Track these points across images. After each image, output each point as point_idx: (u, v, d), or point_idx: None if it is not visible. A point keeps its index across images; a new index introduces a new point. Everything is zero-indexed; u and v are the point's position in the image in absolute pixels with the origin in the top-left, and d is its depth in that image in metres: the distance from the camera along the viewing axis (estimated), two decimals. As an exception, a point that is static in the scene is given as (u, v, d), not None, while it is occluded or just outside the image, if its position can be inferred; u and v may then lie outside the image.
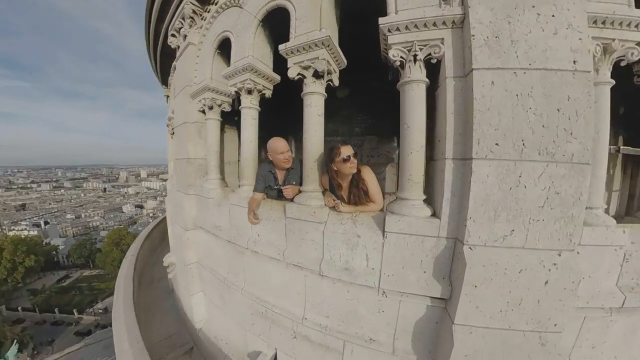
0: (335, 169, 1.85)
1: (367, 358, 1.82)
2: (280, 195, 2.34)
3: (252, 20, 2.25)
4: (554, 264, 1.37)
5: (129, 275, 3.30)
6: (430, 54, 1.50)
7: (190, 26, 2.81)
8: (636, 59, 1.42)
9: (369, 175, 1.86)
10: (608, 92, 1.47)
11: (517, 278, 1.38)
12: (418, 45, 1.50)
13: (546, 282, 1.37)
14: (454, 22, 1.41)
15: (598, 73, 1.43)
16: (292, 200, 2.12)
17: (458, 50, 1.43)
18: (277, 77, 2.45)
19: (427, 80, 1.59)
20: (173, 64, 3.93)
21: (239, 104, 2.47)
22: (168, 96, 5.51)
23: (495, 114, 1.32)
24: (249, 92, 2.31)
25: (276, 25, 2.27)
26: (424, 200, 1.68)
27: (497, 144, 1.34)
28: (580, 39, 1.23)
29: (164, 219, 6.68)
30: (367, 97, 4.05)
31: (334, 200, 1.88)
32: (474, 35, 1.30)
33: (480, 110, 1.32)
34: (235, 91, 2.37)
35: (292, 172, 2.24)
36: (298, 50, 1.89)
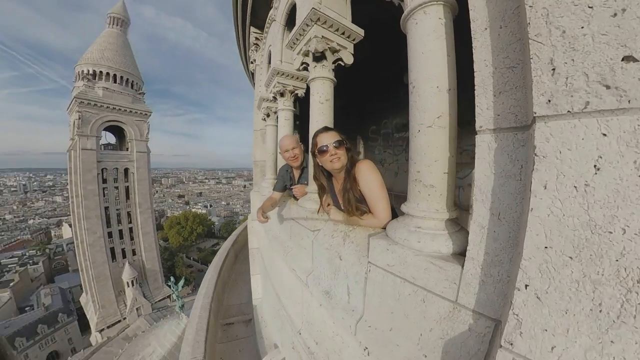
0: (320, 164, 1.34)
1: None
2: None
3: (279, 28, 2.21)
4: None
5: (224, 252, 4.31)
6: None
7: (256, 50, 3.25)
8: None
9: (366, 175, 1.18)
10: None
11: None
12: None
13: None
14: None
15: None
16: None
17: None
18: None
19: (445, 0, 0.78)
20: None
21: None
22: None
23: None
24: (281, 94, 2.27)
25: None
26: (447, 221, 0.84)
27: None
28: None
29: None
30: None
31: (329, 204, 1.40)
32: None
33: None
34: (272, 96, 2.40)
35: (305, 170, 1.97)
36: (297, 39, 1.59)
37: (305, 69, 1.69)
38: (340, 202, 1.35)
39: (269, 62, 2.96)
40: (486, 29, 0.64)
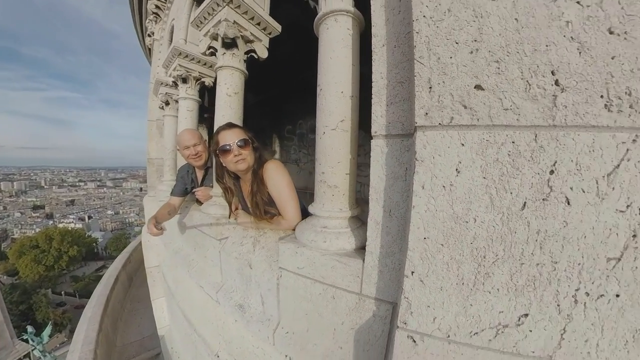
0: (223, 164, 1.16)
1: None
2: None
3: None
4: None
5: (112, 276, 3.25)
6: None
7: (156, 22, 2.59)
8: None
9: (274, 176, 1.09)
10: None
11: None
12: None
13: None
14: None
15: None
16: None
17: None
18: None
19: (353, 10, 0.80)
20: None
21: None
22: None
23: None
24: (184, 80, 1.83)
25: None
26: (350, 219, 0.88)
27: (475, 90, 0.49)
28: None
29: None
30: None
31: (236, 208, 1.23)
32: None
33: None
34: (172, 81, 1.93)
35: (210, 171, 1.66)
36: (205, 18, 1.30)
37: (213, 54, 1.41)
38: (249, 205, 1.19)
39: (171, 39, 2.32)
40: (384, 45, 0.68)
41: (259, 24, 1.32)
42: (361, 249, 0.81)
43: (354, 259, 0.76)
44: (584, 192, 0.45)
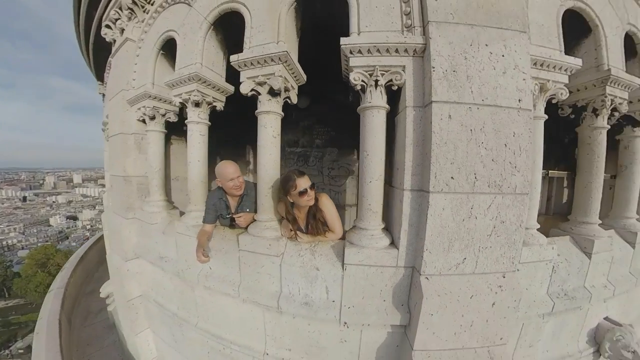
0: (291, 201, 1.53)
1: None
2: (233, 224, 1.91)
3: (201, 22, 1.73)
4: (500, 286, 1.31)
5: (55, 313, 2.55)
6: (391, 81, 1.27)
7: (130, 19, 2.10)
8: (565, 97, 1.44)
9: (327, 205, 1.57)
10: (542, 126, 1.48)
11: (468, 303, 1.30)
12: (380, 71, 1.25)
13: (493, 304, 1.32)
14: (415, 50, 1.20)
15: (535, 109, 1.42)
16: (246, 229, 1.74)
17: (419, 80, 1.22)
18: (231, 89, 1.97)
19: (387, 106, 1.35)
20: (109, 59, 3.10)
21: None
22: (104, 94, 4.44)
23: (451, 147, 1.16)
24: (197, 104, 1.80)
25: (231, 30, 1.84)
26: (382, 229, 1.52)
27: (452, 178, 1.20)
28: (524, 79, 1.13)
29: (103, 236, 5.58)
30: (327, 108, 3.71)
31: (291, 230, 1.61)
32: (434, 67, 1.10)
33: (437, 143, 1.16)
34: (180, 102, 1.84)
35: (245, 198, 1.83)
36: (252, 64, 1.49)
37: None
38: (303, 225, 1.61)
39: (160, 49, 2.10)
40: (410, 144, 1.32)
41: (296, 76, 1.65)
42: (391, 244, 1.47)
43: (393, 249, 1.40)
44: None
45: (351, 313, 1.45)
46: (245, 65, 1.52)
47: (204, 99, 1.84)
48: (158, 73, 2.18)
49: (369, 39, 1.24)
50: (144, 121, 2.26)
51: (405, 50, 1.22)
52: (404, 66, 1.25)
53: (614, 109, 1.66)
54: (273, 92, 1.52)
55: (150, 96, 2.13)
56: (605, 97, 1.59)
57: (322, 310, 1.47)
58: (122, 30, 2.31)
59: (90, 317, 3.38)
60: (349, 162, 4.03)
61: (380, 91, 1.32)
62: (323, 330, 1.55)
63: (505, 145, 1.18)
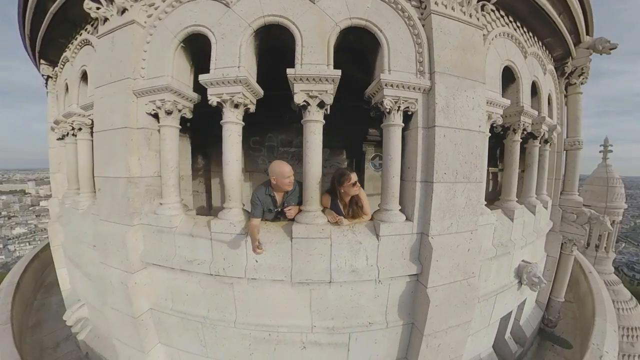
0: (343, 191, 2.31)
1: (367, 339, 2.36)
2: (277, 217, 2.46)
3: (245, 27, 2.17)
4: (470, 239, 2.38)
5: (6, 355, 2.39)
6: (408, 107, 2.18)
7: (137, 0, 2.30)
8: (500, 122, 2.70)
9: (363, 195, 2.40)
10: (487, 140, 2.66)
11: (455, 251, 2.32)
12: (402, 100, 2.15)
13: (468, 250, 2.37)
14: (424, 89, 2.15)
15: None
16: (292, 220, 2.32)
17: (425, 109, 2.18)
18: (261, 92, 2.43)
19: (403, 124, 2.26)
20: (85, 37, 2.97)
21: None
22: (50, 78, 4.00)
23: (444, 154, 2.15)
24: (236, 106, 2.23)
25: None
26: (399, 210, 2.41)
27: (445, 173, 2.19)
28: (482, 112, 2.25)
29: (36, 257, 4.89)
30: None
31: (336, 216, 2.33)
32: (437, 103, 2.08)
33: (437, 152, 2.12)
34: (218, 102, 2.22)
35: (291, 193, 2.39)
36: (307, 80, 2.14)
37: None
38: (345, 212, 2.37)
39: (182, 41, 2.40)
40: (416, 182, 2.26)
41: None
42: (406, 220, 2.38)
43: (408, 222, 2.32)
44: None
45: (384, 272, 2.29)
46: (300, 79, 2.13)
47: (243, 101, 2.24)
48: (178, 66, 2.41)
49: (397, 77, 2.12)
50: (154, 115, 2.43)
51: (419, 89, 2.16)
52: (416, 99, 2.19)
53: (524, 129, 3.04)
54: (322, 104, 2.20)
55: (171, 90, 2.32)
56: (520, 122, 2.95)
57: (366, 273, 2.25)
58: (124, 9, 2.33)
59: (47, 353, 3.17)
60: (339, 161, 4.90)
61: (400, 114, 2.21)
62: (362, 291, 2.32)
63: (472, 153, 2.24)
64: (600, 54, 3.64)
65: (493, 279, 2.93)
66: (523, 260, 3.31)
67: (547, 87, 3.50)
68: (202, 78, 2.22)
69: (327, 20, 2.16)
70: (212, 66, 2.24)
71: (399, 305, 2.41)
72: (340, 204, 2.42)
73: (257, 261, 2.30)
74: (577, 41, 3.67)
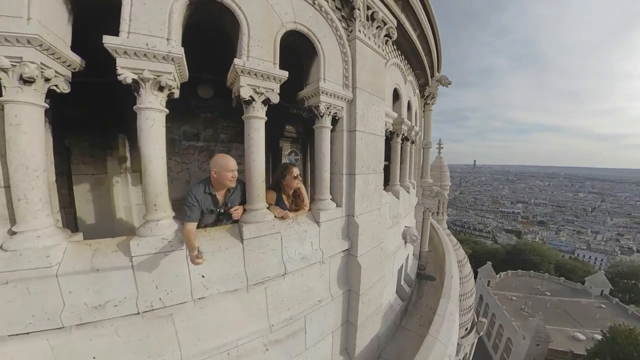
0: (286, 184, 2.63)
1: (319, 316, 2.82)
2: (218, 220, 2.37)
3: None
4: (379, 215, 3.33)
5: None
6: (336, 113, 2.77)
7: None
8: (391, 129, 3.79)
9: (303, 187, 2.82)
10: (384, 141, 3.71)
11: (371, 225, 3.17)
12: (333, 106, 2.71)
13: (379, 223, 3.30)
14: (348, 100, 2.81)
15: (385, 133, 3.60)
16: (236, 222, 2.33)
17: (348, 116, 2.85)
18: (187, 76, 2.01)
19: (331, 127, 2.84)
20: None
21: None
22: None
23: (362, 153, 2.92)
24: (161, 88, 1.83)
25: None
26: (330, 199, 3.01)
27: (362, 167, 2.97)
28: (383, 121, 3.18)
29: None
30: (236, 103, 4.05)
31: (282, 211, 2.62)
32: (357, 112, 2.80)
33: (358, 151, 2.86)
34: (134, 80, 1.74)
35: (234, 191, 2.33)
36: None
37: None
38: (288, 205, 2.71)
39: None
40: (343, 175, 2.92)
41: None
42: (338, 205, 3.02)
43: (339, 208, 2.97)
44: (372, 181, 3.23)
45: (326, 252, 2.84)
46: (248, 73, 2.13)
47: (172, 84, 1.84)
48: (47, 8, 1.59)
49: (331, 87, 2.66)
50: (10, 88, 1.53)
51: (345, 99, 2.81)
52: (342, 107, 2.84)
53: (403, 134, 4.35)
54: (267, 102, 2.44)
55: (41, 45, 1.53)
56: (401, 129, 4.25)
57: (313, 257, 2.71)
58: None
59: None
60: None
61: (329, 118, 2.78)
62: (310, 275, 2.77)
63: (377, 151, 3.15)
64: (444, 86, 5.67)
65: (392, 241, 4.11)
66: (406, 226, 4.76)
67: (415, 104, 5.15)
68: (110, 41, 1.62)
69: (275, 18, 2.29)
70: (123, 27, 1.68)
71: (338, 278, 3.03)
72: (284, 197, 2.74)
73: (203, 276, 2.09)
74: (432, 75, 5.56)
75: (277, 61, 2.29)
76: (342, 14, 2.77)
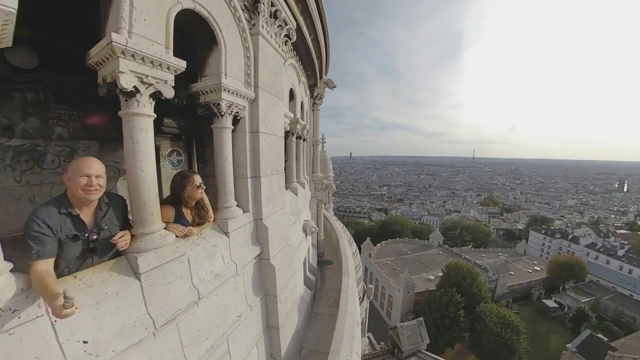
0: (187, 195, 2.28)
1: (241, 331, 2.68)
2: (89, 251, 1.70)
3: None
4: (284, 213, 3.51)
5: None
6: (238, 113, 2.64)
7: None
8: (288, 129, 3.97)
9: (206, 197, 2.51)
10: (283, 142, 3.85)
11: (277, 225, 3.31)
12: (235, 105, 2.55)
13: (284, 222, 3.48)
14: (250, 99, 2.73)
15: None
16: (121, 253, 1.83)
17: (250, 116, 2.79)
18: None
19: (232, 127, 2.66)
20: None
21: None
22: None
23: (265, 154, 2.96)
24: None
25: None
26: (236, 205, 2.88)
27: (266, 168, 3.02)
28: (282, 122, 3.30)
29: None
30: (80, 81, 2.51)
31: (184, 228, 2.24)
32: (259, 113, 2.78)
33: (261, 152, 2.89)
34: None
35: (108, 210, 1.79)
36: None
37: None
38: (190, 220, 2.37)
39: None
40: (247, 178, 2.84)
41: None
42: (245, 211, 2.93)
43: (246, 213, 2.92)
44: (276, 182, 3.34)
45: (239, 263, 2.74)
46: (132, 56, 1.75)
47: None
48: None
49: (232, 84, 2.48)
50: None
51: (247, 98, 2.71)
52: (244, 106, 2.73)
53: (297, 133, 4.65)
54: (155, 95, 1.99)
55: None
56: (296, 128, 4.53)
57: (226, 271, 2.55)
58: None
59: None
60: (117, 159, 3.24)
61: (231, 118, 2.62)
62: (226, 291, 2.58)
63: (279, 152, 3.28)
64: (330, 88, 6.38)
65: (296, 237, 4.42)
66: (305, 220, 5.21)
67: (307, 104, 5.58)
68: None
69: (169, -12, 1.86)
70: None
71: (253, 286, 2.99)
72: (185, 211, 2.38)
73: (86, 342, 1.52)
74: (321, 77, 6.12)
75: (171, 46, 1.92)
76: (245, 3, 2.63)
